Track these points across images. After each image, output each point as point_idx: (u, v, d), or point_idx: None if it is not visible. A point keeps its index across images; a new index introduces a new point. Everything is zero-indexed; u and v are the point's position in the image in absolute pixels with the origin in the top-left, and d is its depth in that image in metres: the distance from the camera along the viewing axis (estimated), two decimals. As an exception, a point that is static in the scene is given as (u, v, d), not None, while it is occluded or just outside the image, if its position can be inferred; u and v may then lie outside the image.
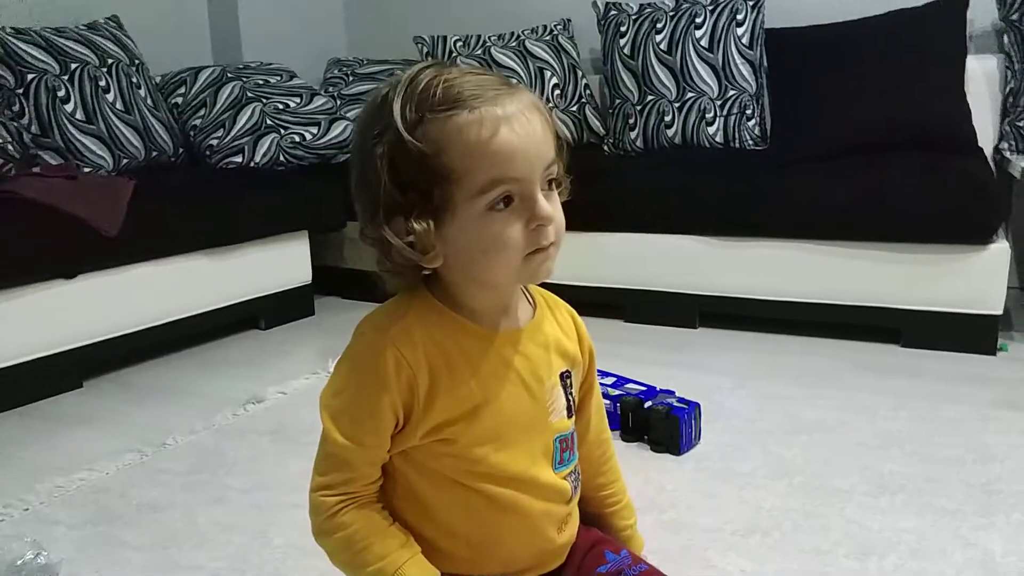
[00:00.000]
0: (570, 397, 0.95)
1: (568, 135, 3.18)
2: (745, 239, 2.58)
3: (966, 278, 2.32)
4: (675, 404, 1.77)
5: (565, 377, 0.94)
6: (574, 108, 3.20)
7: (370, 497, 0.87)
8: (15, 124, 2.44)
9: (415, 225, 0.78)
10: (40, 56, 2.66)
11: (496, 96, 0.78)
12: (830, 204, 2.44)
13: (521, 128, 0.78)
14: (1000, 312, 2.31)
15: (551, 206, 0.81)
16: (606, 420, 1.07)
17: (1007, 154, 2.59)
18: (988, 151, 2.62)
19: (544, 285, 1.00)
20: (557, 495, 0.92)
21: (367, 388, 0.83)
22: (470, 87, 0.78)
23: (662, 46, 3.00)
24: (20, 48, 2.63)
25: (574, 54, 3.29)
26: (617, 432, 1.81)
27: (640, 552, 1.08)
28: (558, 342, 0.94)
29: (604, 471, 1.05)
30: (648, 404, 1.80)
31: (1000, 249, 2.29)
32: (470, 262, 0.82)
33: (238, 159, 2.92)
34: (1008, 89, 2.69)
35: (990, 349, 2.32)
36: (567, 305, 1.00)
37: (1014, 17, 2.62)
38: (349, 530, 0.84)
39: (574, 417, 0.96)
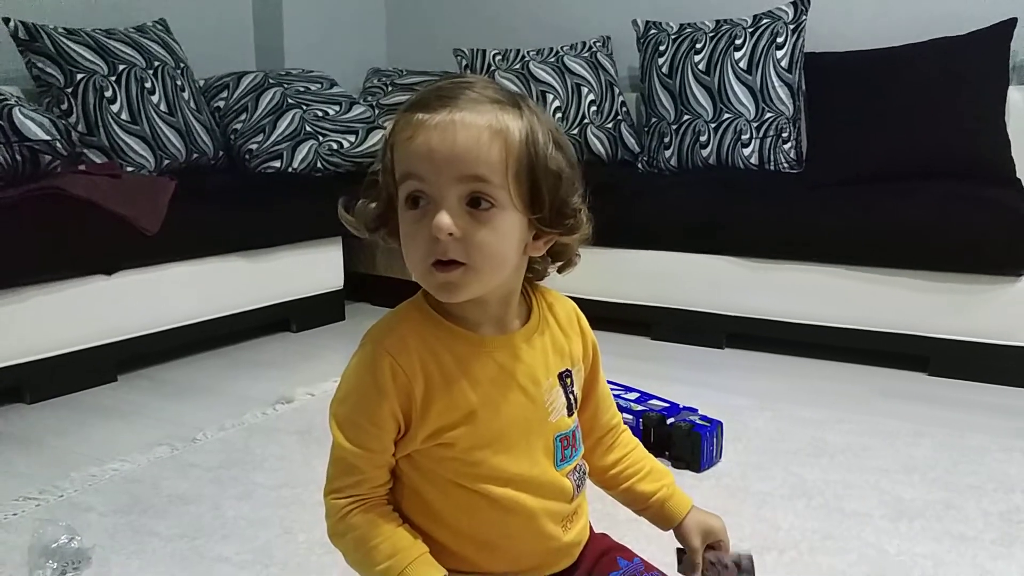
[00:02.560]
0: (571, 396, 0.96)
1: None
2: (776, 261, 2.59)
3: (997, 309, 2.31)
4: (697, 421, 1.78)
5: (565, 376, 0.95)
6: (610, 125, 3.22)
7: (379, 499, 0.90)
8: (63, 122, 2.50)
9: (362, 201, 0.89)
10: (89, 56, 2.73)
11: (442, 106, 0.81)
12: (863, 229, 2.44)
13: (440, 135, 0.80)
14: (1031, 344, 2.30)
15: (462, 223, 0.80)
16: (615, 407, 1.07)
17: (1044, 186, 2.58)
18: (1026, 183, 2.61)
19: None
20: (559, 493, 0.93)
21: (368, 396, 0.86)
22: (434, 95, 0.82)
23: (700, 66, 3.02)
24: (71, 48, 2.70)
25: (612, 71, 3.32)
26: (639, 447, 1.83)
27: (690, 507, 1.05)
28: (556, 342, 0.96)
29: (615, 446, 1.06)
30: (671, 421, 1.81)
31: (1033, 281, 2.28)
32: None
33: (276, 164, 2.98)
34: (1048, 121, 2.68)
35: (1019, 381, 2.30)
36: (568, 299, 1.01)
37: (1055, 49, 2.61)
38: (359, 531, 0.87)
39: (575, 415, 0.97)
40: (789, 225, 2.56)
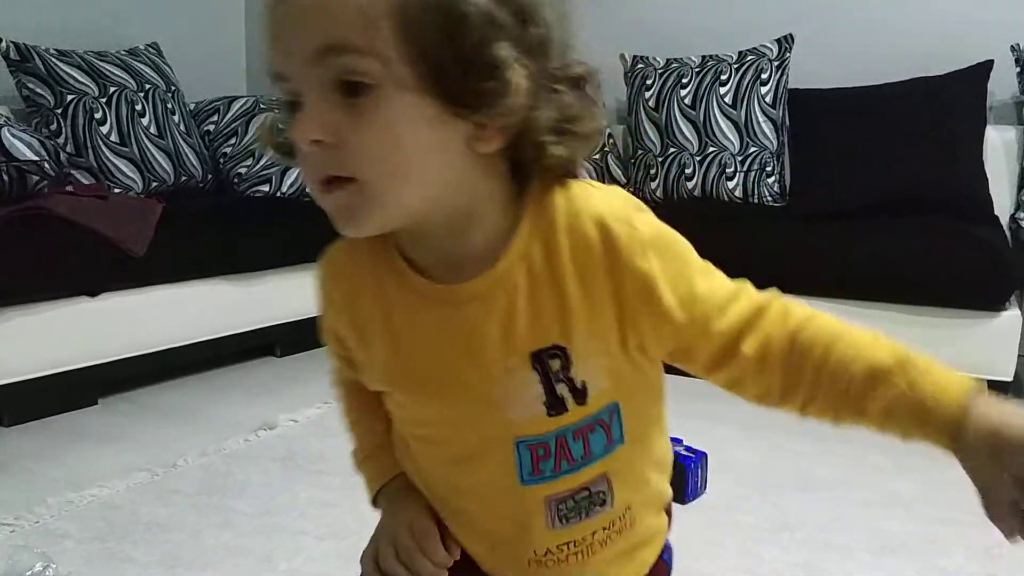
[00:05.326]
0: (561, 384, 0.65)
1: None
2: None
3: (977, 344, 2.33)
4: (682, 452, 1.78)
5: (547, 357, 0.64)
6: (596, 156, 3.24)
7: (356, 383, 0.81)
8: (52, 142, 2.50)
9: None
10: (80, 78, 2.74)
11: None
12: (845, 264, 2.46)
13: (284, 1, 0.57)
14: (1011, 379, 2.32)
15: (333, 121, 0.56)
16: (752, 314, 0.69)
17: (1023, 223, 2.61)
18: (1004, 220, 2.64)
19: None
20: (508, 511, 0.70)
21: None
22: None
23: (686, 100, 3.05)
24: (62, 69, 2.70)
25: (599, 103, 3.33)
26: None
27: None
28: (540, 299, 0.63)
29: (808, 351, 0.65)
30: (655, 451, 1.80)
31: (1012, 317, 2.30)
32: None
33: (265, 188, 2.98)
34: (1026, 160, 2.72)
35: (1000, 416, 2.32)
36: (604, 207, 0.63)
37: (1034, 90, 2.66)
38: (342, 403, 0.85)
39: (571, 411, 0.66)
40: (772, 257, 2.57)
